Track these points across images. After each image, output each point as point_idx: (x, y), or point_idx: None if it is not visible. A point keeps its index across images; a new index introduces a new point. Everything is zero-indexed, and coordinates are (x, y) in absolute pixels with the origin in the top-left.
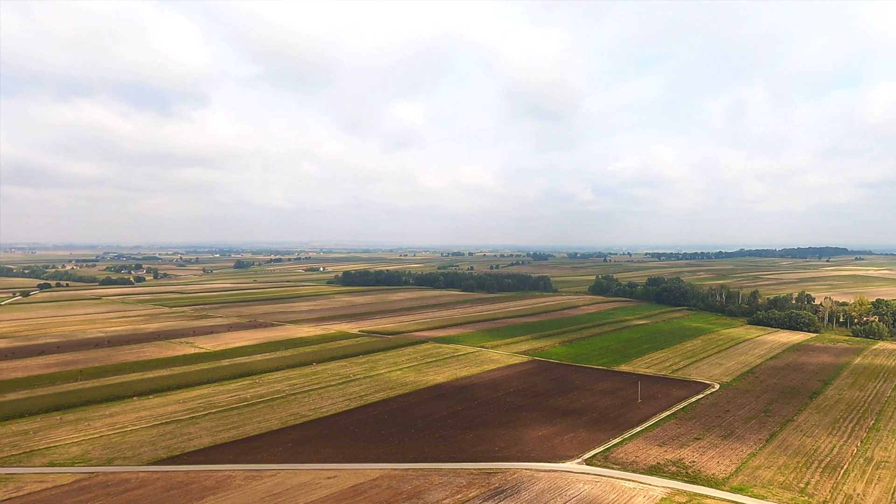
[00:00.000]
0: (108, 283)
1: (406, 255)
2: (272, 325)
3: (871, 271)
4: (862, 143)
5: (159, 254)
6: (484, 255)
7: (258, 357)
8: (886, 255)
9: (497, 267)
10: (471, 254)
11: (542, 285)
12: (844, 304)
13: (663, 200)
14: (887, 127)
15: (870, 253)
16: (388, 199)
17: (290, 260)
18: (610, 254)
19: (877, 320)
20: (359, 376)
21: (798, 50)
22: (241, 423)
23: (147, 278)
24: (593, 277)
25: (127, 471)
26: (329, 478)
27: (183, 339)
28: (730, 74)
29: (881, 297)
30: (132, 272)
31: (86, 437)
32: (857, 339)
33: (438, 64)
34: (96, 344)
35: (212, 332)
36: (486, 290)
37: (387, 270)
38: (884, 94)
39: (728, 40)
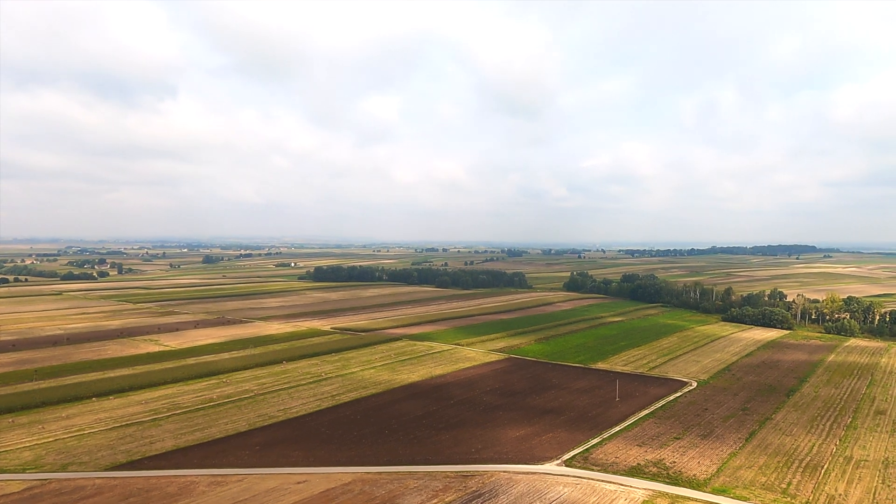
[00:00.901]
0: (69, 278)
1: (379, 251)
2: (241, 321)
3: (840, 269)
4: (829, 143)
5: (125, 248)
6: (458, 251)
7: (226, 355)
8: (853, 252)
9: (471, 263)
10: (445, 250)
11: (516, 282)
12: (816, 301)
13: (636, 198)
14: (852, 128)
15: (837, 251)
16: (361, 195)
17: (260, 255)
18: (584, 250)
19: (848, 317)
20: (330, 375)
21: (769, 50)
22: (207, 424)
23: (111, 273)
24: (568, 274)
25: (82, 477)
26: (299, 483)
27: (147, 337)
28: (703, 73)
29: (852, 295)
30: (95, 267)
31: (39, 442)
32: (830, 335)
33: (412, 58)
34: (55, 342)
35: (177, 330)
36: (461, 286)
37: (360, 266)
38: (848, 95)
39: (701, 39)
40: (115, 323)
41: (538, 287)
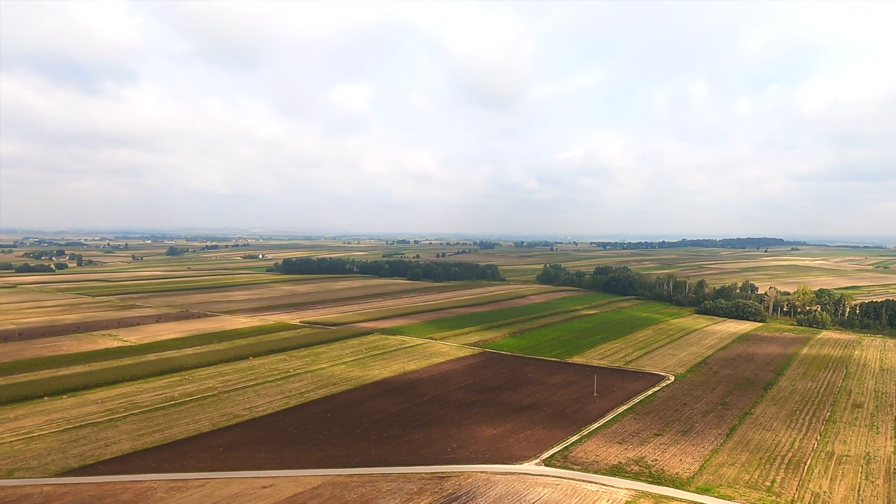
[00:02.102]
0: (25, 270)
1: (350, 243)
2: (205, 315)
3: (808, 261)
4: (796, 138)
5: (85, 239)
6: (430, 243)
7: (188, 351)
8: (819, 245)
9: (443, 255)
10: (416, 242)
11: (489, 274)
12: (787, 293)
13: (607, 190)
14: (819, 123)
15: (804, 244)
16: (330, 186)
17: (226, 247)
18: (556, 243)
19: (819, 309)
20: (299, 371)
21: (740, 44)
22: (167, 425)
23: (70, 265)
24: (540, 266)
25: (29, 484)
26: (265, 487)
27: (105, 332)
28: (674, 67)
29: (822, 287)
30: (53, 259)
31: None
32: (802, 328)
33: (383, 47)
34: (6, 337)
35: (138, 324)
36: (433, 278)
37: (330, 258)
38: (816, 90)
39: (673, 31)
40: (72, 317)
41: (511, 280)
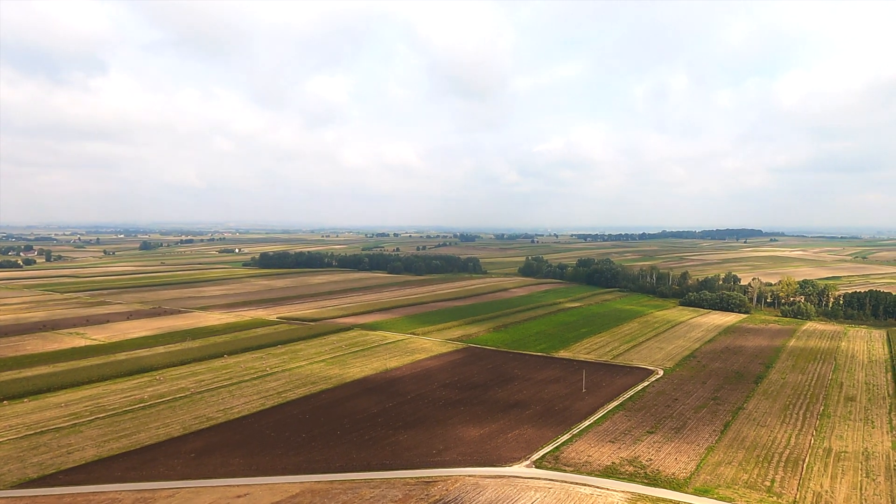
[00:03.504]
0: None
1: (328, 237)
2: (178, 312)
3: (787, 252)
4: (775, 130)
5: (55, 234)
6: (410, 236)
7: (160, 349)
8: (797, 236)
9: (424, 248)
10: (397, 235)
11: (471, 267)
12: (770, 284)
13: (588, 182)
14: (797, 115)
15: (782, 234)
16: (308, 178)
17: (202, 241)
18: (537, 235)
19: (804, 300)
20: (276, 370)
21: (720, 36)
22: (135, 429)
23: (38, 261)
24: (522, 259)
25: None
26: (238, 497)
27: (73, 330)
28: (655, 58)
29: (804, 278)
30: (21, 254)
31: None
32: (787, 319)
33: (361, 37)
34: None
35: (107, 322)
36: (414, 272)
37: (308, 252)
38: (794, 82)
39: (653, 23)
40: (38, 315)
41: (493, 272)
